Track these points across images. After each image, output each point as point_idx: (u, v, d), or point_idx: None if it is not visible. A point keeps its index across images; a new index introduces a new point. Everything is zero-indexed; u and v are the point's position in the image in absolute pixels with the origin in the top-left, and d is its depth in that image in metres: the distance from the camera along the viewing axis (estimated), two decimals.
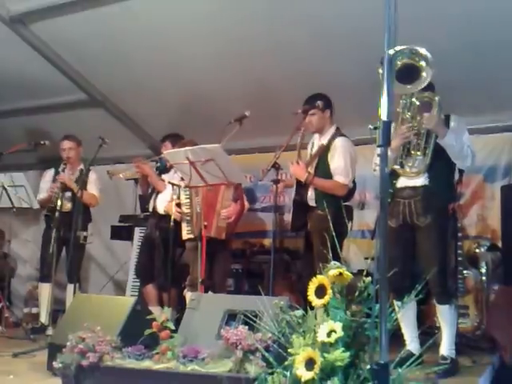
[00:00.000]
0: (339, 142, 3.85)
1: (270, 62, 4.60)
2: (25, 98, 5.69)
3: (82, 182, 4.82)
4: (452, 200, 3.52)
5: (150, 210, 4.92)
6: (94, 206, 5.17)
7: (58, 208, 4.75)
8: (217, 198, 4.04)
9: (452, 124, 3.32)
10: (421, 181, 3.32)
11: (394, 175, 3.37)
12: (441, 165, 3.30)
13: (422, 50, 2.68)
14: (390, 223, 3.36)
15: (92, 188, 5.11)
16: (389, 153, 3.24)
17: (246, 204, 4.35)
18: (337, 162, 3.80)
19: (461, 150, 3.24)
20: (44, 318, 4.82)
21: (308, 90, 4.09)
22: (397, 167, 3.33)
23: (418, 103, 3.24)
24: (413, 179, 3.33)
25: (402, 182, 3.38)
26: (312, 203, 3.86)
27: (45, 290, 4.88)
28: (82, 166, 5.15)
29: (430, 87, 3.21)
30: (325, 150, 3.88)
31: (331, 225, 2.32)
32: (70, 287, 4.84)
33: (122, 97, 5.55)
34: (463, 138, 3.30)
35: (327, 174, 3.83)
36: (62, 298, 4.99)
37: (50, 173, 5.28)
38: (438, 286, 3.27)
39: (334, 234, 2.17)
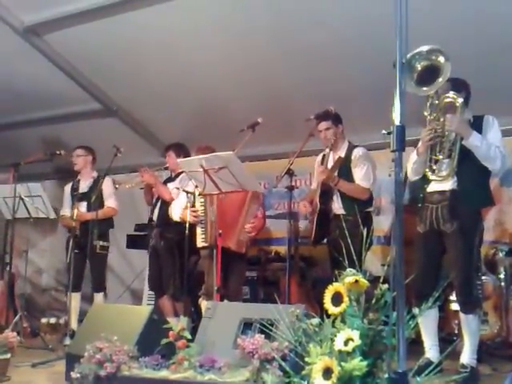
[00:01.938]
0: (358, 151, 4.05)
1: (282, 69, 4.60)
2: (40, 109, 5.76)
3: (97, 191, 4.83)
4: (484, 204, 3.41)
5: (154, 219, 4.92)
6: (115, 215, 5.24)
7: (74, 218, 4.81)
8: (240, 211, 4.02)
9: (483, 124, 3.25)
10: (449, 185, 3.24)
11: (425, 179, 3.32)
12: (471, 168, 3.19)
13: (425, 48, 2.65)
14: (418, 228, 3.36)
15: (108, 198, 5.14)
16: (416, 157, 3.29)
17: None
18: (358, 169, 3.99)
19: (487, 150, 3.14)
20: (75, 326, 4.87)
21: (320, 96, 4.10)
22: (426, 171, 3.27)
23: (446, 101, 3.16)
24: (442, 183, 3.25)
25: (432, 187, 3.31)
26: (339, 211, 3.99)
27: (74, 299, 4.94)
28: (94, 174, 5.18)
29: (462, 86, 3.22)
30: (345, 161, 4.03)
31: (361, 232, 2.33)
32: (97, 296, 4.93)
33: (135, 106, 5.59)
34: (488, 138, 3.19)
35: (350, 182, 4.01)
36: (82, 307, 5.01)
37: (69, 186, 5.33)
38: (463, 294, 3.21)
39: (364, 239, 2.18)
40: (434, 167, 3.25)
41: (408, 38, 1.87)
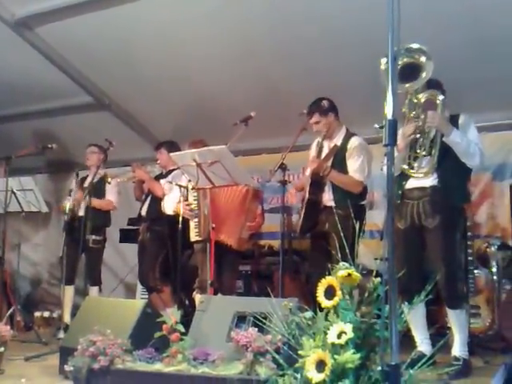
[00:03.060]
0: (355, 141, 3.86)
1: (275, 63, 4.60)
2: (31, 102, 5.73)
3: (93, 187, 4.78)
4: (464, 200, 3.43)
5: (144, 214, 4.94)
6: (113, 210, 5.24)
7: (66, 212, 4.82)
8: (242, 210, 4.02)
9: (460, 122, 3.28)
10: (429, 181, 3.27)
11: (404, 176, 3.31)
12: (450, 164, 3.22)
13: (415, 45, 2.66)
14: (398, 225, 3.32)
15: (109, 192, 5.13)
16: (396, 154, 3.26)
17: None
18: (353, 161, 3.81)
19: (467, 147, 3.18)
20: (68, 319, 4.87)
21: (314, 89, 4.09)
22: (405, 168, 3.26)
23: (423, 101, 3.17)
24: (421, 180, 3.27)
25: (410, 183, 3.32)
26: (330, 203, 3.82)
27: (67, 292, 4.96)
28: (101, 171, 5.03)
29: (437, 85, 3.20)
30: (340, 150, 3.87)
31: (352, 225, 2.32)
32: (92, 290, 4.95)
33: (128, 100, 5.57)
34: (468, 135, 3.24)
35: (343, 173, 3.84)
36: (76, 301, 5.00)
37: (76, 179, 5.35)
38: (448, 289, 3.20)
39: (356, 233, 2.18)
40: (415, 164, 3.25)
41: (400, 30, 1.87)
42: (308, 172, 4.00)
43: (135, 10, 4.25)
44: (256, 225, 4.10)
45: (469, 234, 3.87)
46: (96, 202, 4.83)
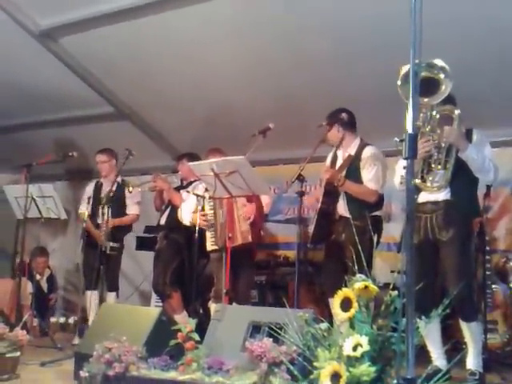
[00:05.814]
0: (369, 150, 3.83)
1: (294, 74, 4.61)
2: (53, 111, 5.83)
3: (111, 197, 4.82)
4: (475, 214, 3.42)
5: (162, 223, 4.98)
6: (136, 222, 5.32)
7: (84, 219, 4.87)
8: (233, 207, 4.04)
9: (474, 138, 3.26)
10: (442, 195, 3.25)
11: (415, 190, 3.26)
12: (463, 179, 3.21)
13: (439, 62, 2.65)
14: None
15: (131, 204, 5.17)
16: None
17: (265, 199, 4.26)
18: (368, 170, 3.78)
19: (482, 163, 3.17)
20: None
21: (332, 101, 4.10)
22: (418, 182, 3.21)
23: (438, 116, 3.16)
24: (434, 194, 3.25)
25: (423, 197, 3.29)
26: (345, 214, 3.79)
27: (93, 298, 4.94)
28: (119, 179, 5.02)
29: (450, 100, 3.17)
30: (354, 160, 3.84)
31: (370, 237, 2.31)
32: (110, 295, 5.01)
33: (147, 110, 5.63)
34: (485, 151, 3.23)
35: (358, 183, 3.81)
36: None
37: (91, 186, 5.38)
38: (462, 302, 3.14)
39: (372, 246, 2.17)
40: (431, 178, 3.22)
41: (421, 46, 1.88)
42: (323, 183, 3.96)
43: (157, 22, 4.32)
44: (249, 211, 4.03)
45: (487, 248, 3.83)
46: (117, 221, 4.93)
